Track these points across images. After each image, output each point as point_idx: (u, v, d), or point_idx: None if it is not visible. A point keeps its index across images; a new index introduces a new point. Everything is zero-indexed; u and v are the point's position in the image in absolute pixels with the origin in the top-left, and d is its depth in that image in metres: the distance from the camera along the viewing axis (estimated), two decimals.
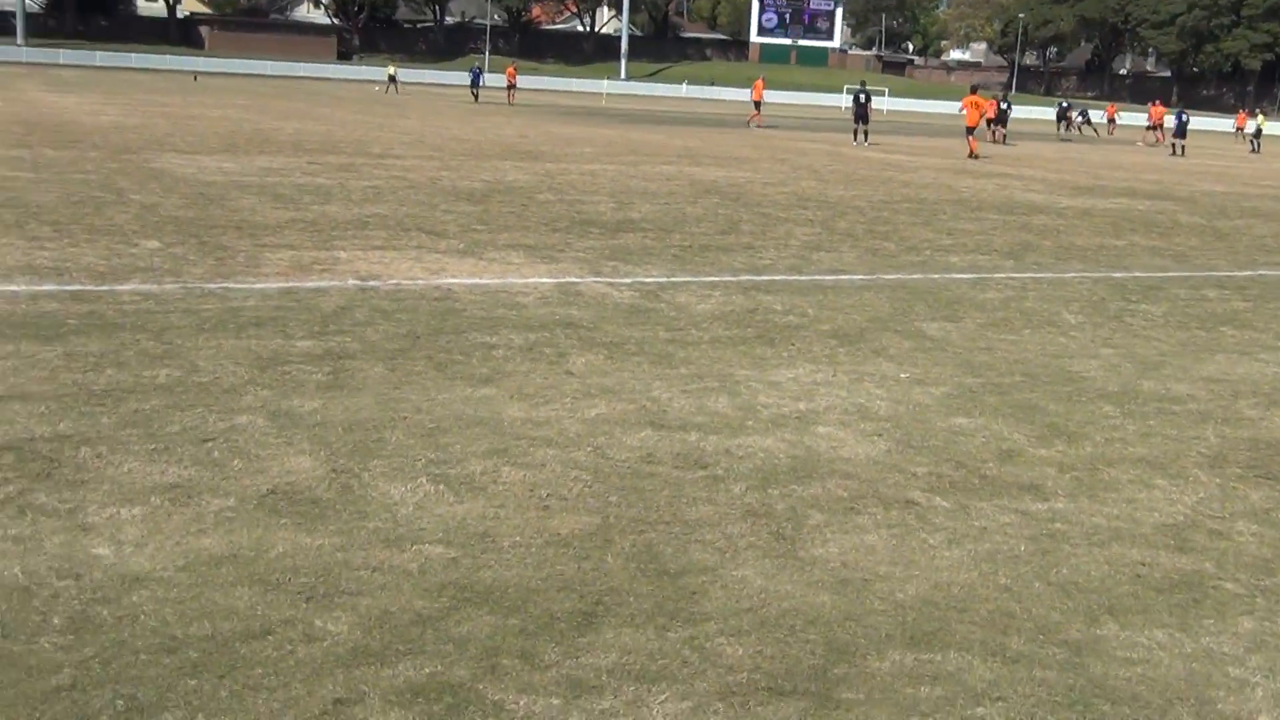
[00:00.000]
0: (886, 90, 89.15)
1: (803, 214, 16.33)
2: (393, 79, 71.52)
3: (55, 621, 3.77)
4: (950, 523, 5.17)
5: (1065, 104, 59.02)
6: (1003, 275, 12.12)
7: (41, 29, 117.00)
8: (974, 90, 34.59)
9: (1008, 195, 21.24)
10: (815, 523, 5.07)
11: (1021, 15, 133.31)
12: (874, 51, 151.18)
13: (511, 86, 59.47)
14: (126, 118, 29.90)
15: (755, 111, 46.06)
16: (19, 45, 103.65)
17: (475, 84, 60.66)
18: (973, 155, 31.83)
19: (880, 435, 6.36)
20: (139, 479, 5.05)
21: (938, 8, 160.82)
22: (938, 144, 40.96)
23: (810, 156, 29.30)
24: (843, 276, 11.43)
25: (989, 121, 40.28)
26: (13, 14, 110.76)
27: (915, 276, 11.70)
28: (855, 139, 35.79)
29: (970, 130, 32.88)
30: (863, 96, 36.35)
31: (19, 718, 3.25)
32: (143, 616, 3.84)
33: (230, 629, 3.81)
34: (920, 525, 5.12)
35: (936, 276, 11.77)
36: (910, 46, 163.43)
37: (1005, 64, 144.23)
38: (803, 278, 11.23)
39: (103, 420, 5.79)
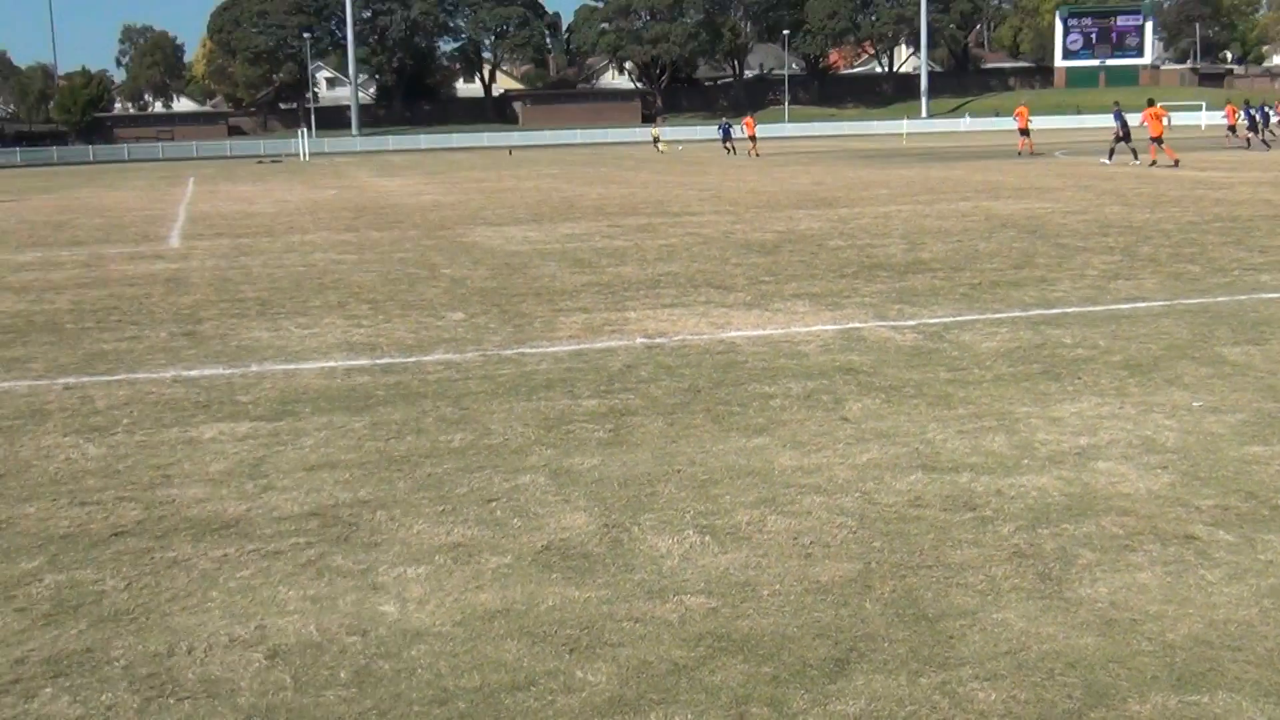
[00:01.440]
0: (1204, 104, 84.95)
1: (1103, 241, 15.78)
2: (656, 140, 72.96)
3: (341, 675, 4.10)
4: (1232, 557, 4.94)
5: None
6: None
7: (372, 119, 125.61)
8: (1151, 103, 35.15)
9: None
10: (1085, 562, 4.94)
11: None
12: (1189, 64, 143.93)
13: (753, 138, 58.28)
14: (445, 196, 31.72)
15: (1023, 139, 45.26)
16: (354, 136, 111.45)
17: (726, 138, 61.48)
18: (1175, 163, 33.01)
19: (1165, 468, 6.12)
20: (426, 539, 5.40)
21: (1256, 11, 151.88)
22: (1259, 156, 38.71)
23: (1117, 180, 28.24)
24: (1140, 304, 11.00)
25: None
26: (348, 108, 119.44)
27: (1220, 299, 11.14)
28: (1110, 157, 34.92)
29: (1157, 140, 33.93)
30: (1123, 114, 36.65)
31: None
32: (419, 670, 4.13)
33: (497, 680, 4.05)
34: (1199, 561, 4.91)
35: (1244, 298, 11.17)
36: (1229, 55, 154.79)
37: None
38: (1097, 308, 10.88)
39: (399, 485, 6.22)
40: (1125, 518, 5.43)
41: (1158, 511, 5.50)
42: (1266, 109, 50.17)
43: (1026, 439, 6.73)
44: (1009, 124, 53.20)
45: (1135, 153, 34.90)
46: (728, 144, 60.84)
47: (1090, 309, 10.85)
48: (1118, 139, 36.06)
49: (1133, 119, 36.53)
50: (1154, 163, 33.54)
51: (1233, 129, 47.99)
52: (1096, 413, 7.27)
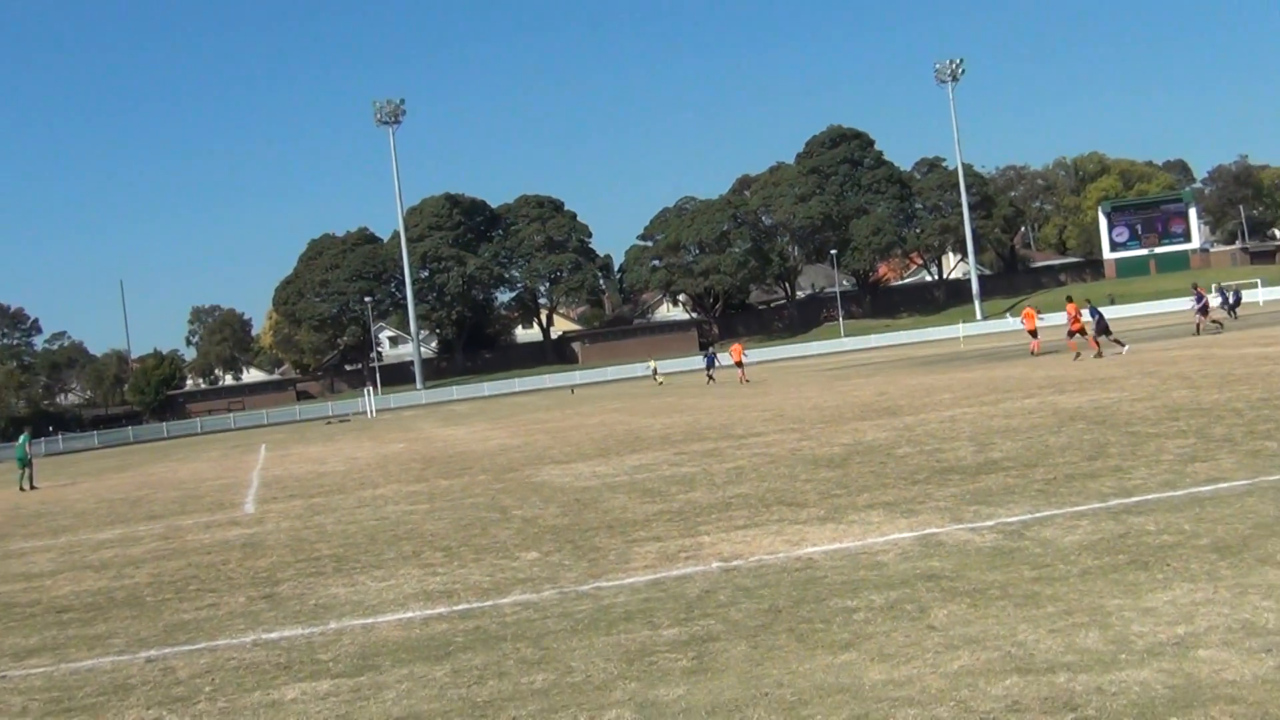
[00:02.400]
0: (1260, 281, 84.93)
1: (1174, 426, 15.59)
2: (655, 372, 74.04)
3: None
4: None
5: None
6: None
7: (435, 372, 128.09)
8: (1069, 300, 39.19)
9: None
10: None
11: None
12: (1238, 245, 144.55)
13: (740, 364, 57.57)
14: (511, 439, 32.02)
15: (1034, 340, 45.10)
16: (418, 389, 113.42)
17: (710, 366, 63.18)
18: (1093, 355, 35.32)
19: (1269, 651, 5.90)
20: None
21: None
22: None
23: (1181, 364, 28.06)
24: (1221, 485, 10.79)
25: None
26: (411, 364, 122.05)
27: None
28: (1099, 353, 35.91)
29: (1071, 334, 37.30)
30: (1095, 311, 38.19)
31: None
32: None
33: None
34: None
35: None
36: (1277, 233, 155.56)
37: None
38: (1177, 493, 10.68)
39: None
40: (1234, 705, 5.22)
41: (1267, 697, 5.29)
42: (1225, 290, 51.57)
43: (1121, 632, 6.54)
44: (1055, 320, 54.20)
45: (1119, 341, 36.71)
46: (710, 373, 61.75)
47: (1170, 494, 10.65)
48: (1100, 333, 36.96)
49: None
50: (1077, 355, 35.94)
51: (1205, 309, 48.89)
52: (1190, 599, 7.07)
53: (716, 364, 63.50)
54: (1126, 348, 36.60)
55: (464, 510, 16.12)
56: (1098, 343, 36.00)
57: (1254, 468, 11.55)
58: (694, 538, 11.50)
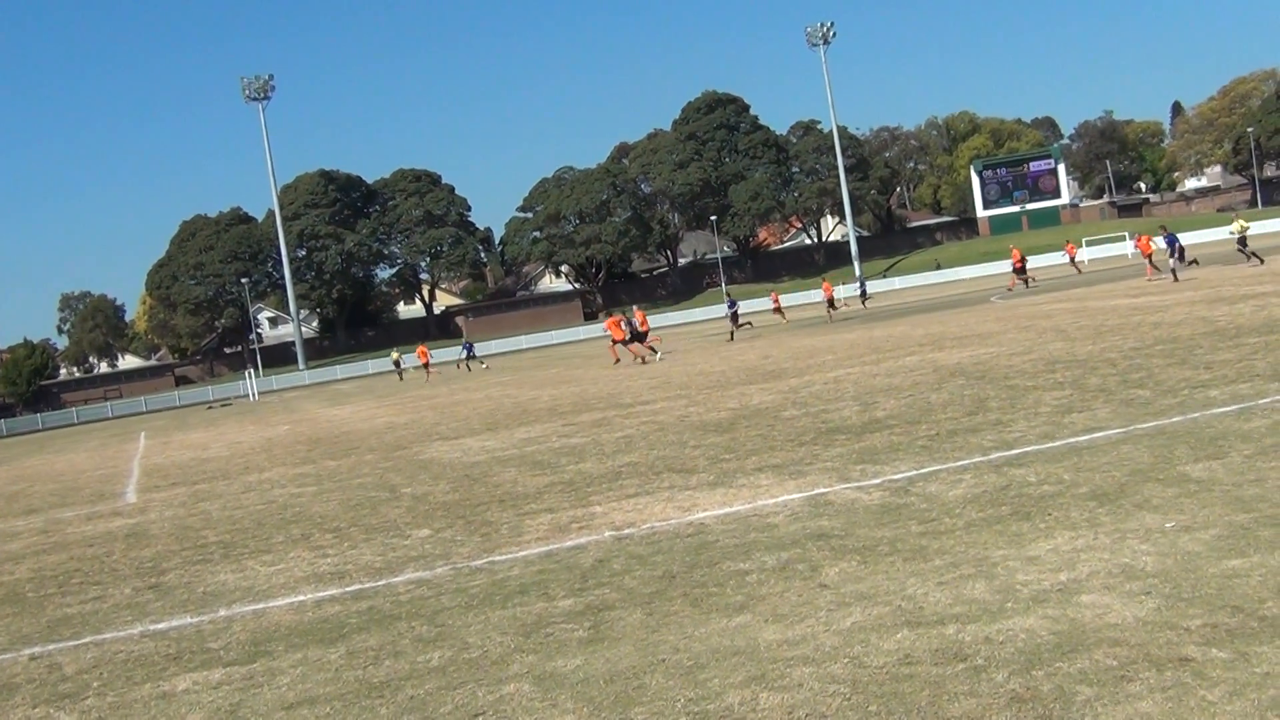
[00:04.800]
0: (1127, 234, 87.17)
1: (1051, 378, 15.97)
2: (398, 364, 73.76)
3: None
4: (1229, 674, 4.89)
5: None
6: (1268, 400, 11.53)
7: (318, 351, 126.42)
8: (609, 314, 44.75)
9: (1267, 315, 20.29)
10: (1084, 698, 4.87)
11: (1250, 130, 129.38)
12: (1105, 199, 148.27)
13: (426, 366, 62.06)
14: (397, 416, 31.73)
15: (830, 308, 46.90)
16: (301, 370, 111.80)
17: (469, 354, 66.91)
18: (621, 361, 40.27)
19: (1148, 593, 6.09)
20: None
21: (1161, 142, 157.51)
22: (1186, 275, 39.66)
23: (1056, 317, 28.75)
24: (1097, 434, 11.09)
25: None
26: (293, 344, 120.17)
27: (1174, 419, 11.25)
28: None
29: (616, 343, 41.85)
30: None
31: None
32: None
33: None
34: (1197, 682, 4.86)
35: (1196, 415, 11.29)
36: (1142, 186, 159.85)
37: (1245, 181, 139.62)
38: (1056, 443, 10.94)
39: (381, 712, 6.07)
40: (1117, 648, 5.38)
41: (1148, 638, 5.46)
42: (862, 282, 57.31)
43: (1007, 582, 6.69)
44: (937, 277, 56.67)
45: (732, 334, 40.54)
46: (468, 361, 65.95)
47: (1049, 445, 10.91)
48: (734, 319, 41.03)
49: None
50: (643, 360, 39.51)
51: (832, 302, 54.06)
52: (1072, 546, 7.26)
53: (473, 352, 67.47)
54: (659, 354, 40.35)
55: (352, 490, 15.94)
56: (636, 350, 39.54)
57: (1128, 416, 11.88)
58: (586, 508, 11.51)
